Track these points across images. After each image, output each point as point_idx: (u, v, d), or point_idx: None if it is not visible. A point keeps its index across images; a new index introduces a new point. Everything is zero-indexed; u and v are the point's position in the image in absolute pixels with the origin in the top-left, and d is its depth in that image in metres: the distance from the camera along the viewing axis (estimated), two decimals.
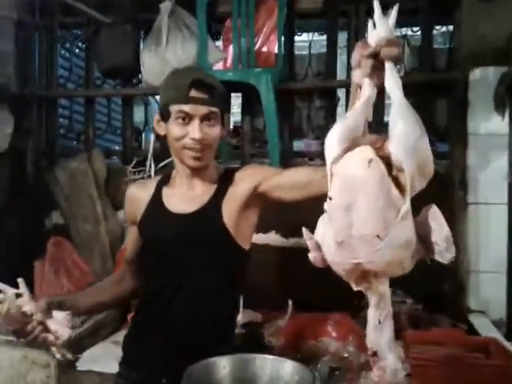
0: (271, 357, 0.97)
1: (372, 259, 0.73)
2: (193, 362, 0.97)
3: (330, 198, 0.76)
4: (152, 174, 2.46)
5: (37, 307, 1.11)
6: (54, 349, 1.14)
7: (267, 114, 2.04)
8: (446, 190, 2.10)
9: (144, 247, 1.32)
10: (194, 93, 1.18)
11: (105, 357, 1.85)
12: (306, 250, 2.45)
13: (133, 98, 2.52)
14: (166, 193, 1.31)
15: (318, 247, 0.80)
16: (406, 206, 0.73)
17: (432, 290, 2.02)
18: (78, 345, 1.98)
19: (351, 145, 0.77)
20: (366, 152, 0.74)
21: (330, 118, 2.29)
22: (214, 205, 1.24)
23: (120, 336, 2.00)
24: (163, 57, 2.23)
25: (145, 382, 1.23)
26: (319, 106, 2.37)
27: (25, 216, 2.48)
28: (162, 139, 2.53)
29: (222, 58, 2.26)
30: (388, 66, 0.76)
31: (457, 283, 2.05)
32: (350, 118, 0.79)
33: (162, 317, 1.23)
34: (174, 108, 1.19)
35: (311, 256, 0.82)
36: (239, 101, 2.47)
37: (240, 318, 1.89)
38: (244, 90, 2.29)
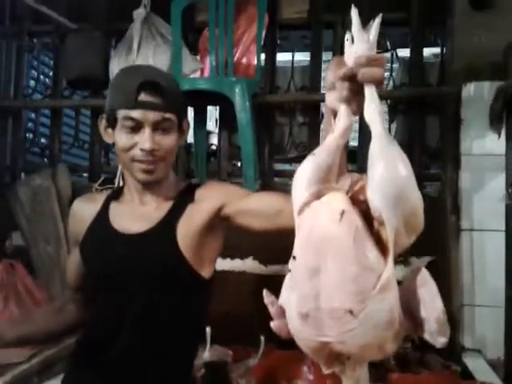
0: None
1: (343, 339, 0.56)
2: None
3: (294, 258, 0.60)
4: None
5: None
6: None
7: (241, 126, 1.86)
8: (437, 214, 1.92)
9: (86, 272, 1.13)
10: (143, 96, 1.01)
11: None
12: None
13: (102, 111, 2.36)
14: (114, 209, 1.12)
15: (283, 313, 0.63)
16: (388, 272, 0.55)
17: None
18: (23, 383, 1.76)
19: (323, 188, 0.60)
20: (336, 201, 0.57)
21: (314, 135, 2.13)
22: (168, 224, 1.05)
23: None
24: None
25: None
26: (302, 122, 2.21)
27: None
28: None
29: (197, 69, 2.10)
30: (368, 89, 0.60)
31: (449, 318, 1.85)
32: (321, 155, 0.61)
33: (102, 355, 1.03)
34: (120, 114, 1.02)
35: (273, 324, 0.64)
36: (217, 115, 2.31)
37: (206, 355, 1.68)
38: (221, 103, 2.12)
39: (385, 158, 0.56)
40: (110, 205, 1.13)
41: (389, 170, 0.54)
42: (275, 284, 2.22)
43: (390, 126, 2.40)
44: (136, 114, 1.00)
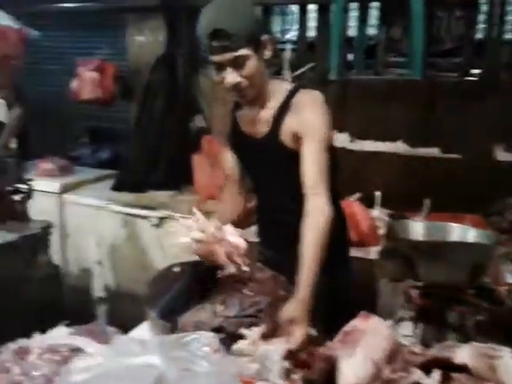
0: (458, 225, 1.20)
1: None
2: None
3: None
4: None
5: (215, 227, 1.20)
6: (239, 259, 1.19)
7: (415, 19, 2.11)
8: None
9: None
10: (215, 43, 1.18)
11: None
12: (433, 160, 2.58)
13: None
14: (239, 116, 1.41)
15: None
16: None
17: None
18: None
19: None
20: None
21: (470, 29, 2.32)
22: (276, 127, 1.31)
23: None
24: None
25: (273, 258, 1.45)
26: (459, 15, 2.39)
27: (178, 117, 2.81)
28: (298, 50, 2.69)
29: None
30: None
31: None
32: None
33: (273, 215, 1.46)
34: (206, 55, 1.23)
35: None
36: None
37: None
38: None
39: None
40: (236, 113, 1.42)
41: None
42: (421, 162, 2.57)
43: None
44: (214, 57, 1.20)
